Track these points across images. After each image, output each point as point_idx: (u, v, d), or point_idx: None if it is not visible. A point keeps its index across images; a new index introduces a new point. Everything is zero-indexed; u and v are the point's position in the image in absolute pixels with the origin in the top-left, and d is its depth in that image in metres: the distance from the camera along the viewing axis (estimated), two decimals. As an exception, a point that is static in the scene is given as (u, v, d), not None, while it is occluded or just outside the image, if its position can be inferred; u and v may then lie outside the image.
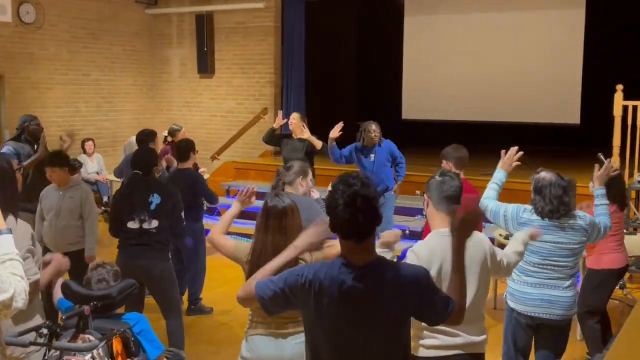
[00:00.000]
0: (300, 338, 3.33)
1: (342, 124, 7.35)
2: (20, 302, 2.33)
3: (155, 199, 4.99)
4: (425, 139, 13.61)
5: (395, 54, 12.91)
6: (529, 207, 4.14)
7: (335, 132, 7.33)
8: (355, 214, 2.35)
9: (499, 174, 4.38)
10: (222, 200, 10.42)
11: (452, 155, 5.31)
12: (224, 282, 7.15)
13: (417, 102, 12.63)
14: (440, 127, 12.46)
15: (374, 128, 7.37)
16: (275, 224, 3.43)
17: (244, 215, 10.78)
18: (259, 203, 3.61)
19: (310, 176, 4.75)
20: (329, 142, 7.39)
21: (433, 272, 2.97)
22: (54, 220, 5.59)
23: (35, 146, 6.63)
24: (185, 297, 6.39)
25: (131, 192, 5.13)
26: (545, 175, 4.14)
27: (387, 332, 2.44)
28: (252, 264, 3.45)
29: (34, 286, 2.96)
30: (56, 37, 11.37)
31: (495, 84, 11.92)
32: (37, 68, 11.14)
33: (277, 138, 8.18)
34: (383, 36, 14.01)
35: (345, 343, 2.44)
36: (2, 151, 6.25)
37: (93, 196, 6.02)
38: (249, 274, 3.47)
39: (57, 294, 3.43)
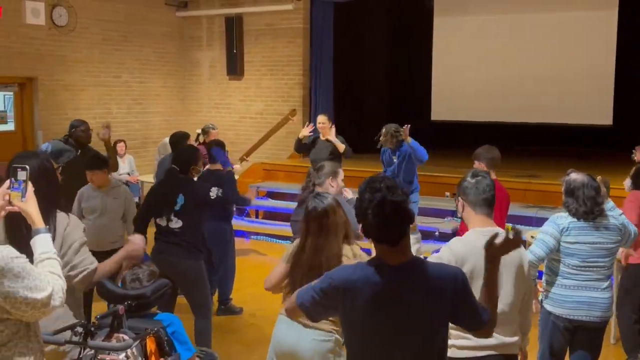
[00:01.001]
0: (321, 336, 3.38)
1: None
2: (58, 300, 2.36)
3: (180, 200, 5.04)
4: (455, 140, 13.55)
5: (425, 55, 12.86)
6: (562, 214, 4.12)
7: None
8: (385, 220, 2.36)
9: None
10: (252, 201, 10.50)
11: (485, 155, 5.31)
12: (254, 282, 7.18)
13: (446, 104, 12.56)
14: (470, 128, 12.39)
15: (402, 129, 7.35)
16: (314, 226, 3.47)
17: (273, 216, 10.87)
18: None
19: (341, 176, 4.76)
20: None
21: (466, 269, 2.96)
22: (97, 220, 5.68)
23: (79, 151, 6.66)
24: (215, 298, 6.43)
25: (161, 189, 5.22)
26: (576, 177, 4.11)
27: (422, 332, 2.42)
28: (292, 265, 3.49)
29: (92, 274, 3.04)
30: (88, 39, 11.52)
31: (526, 84, 11.81)
32: (70, 70, 11.29)
33: (306, 145, 8.22)
34: (412, 37, 13.96)
35: (381, 344, 2.43)
36: (41, 148, 6.35)
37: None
38: (290, 276, 3.53)
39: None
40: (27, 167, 2.55)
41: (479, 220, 3.21)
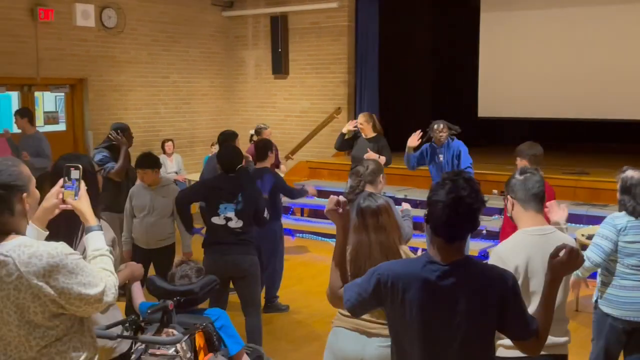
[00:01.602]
0: (385, 342, 3.35)
1: (421, 132, 7.40)
2: (111, 296, 2.42)
3: (242, 200, 5.04)
4: (502, 137, 13.39)
5: (471, 51, 12.71)
6: (618, 213, 4.03)
7: (413, 140, 7.40)
8: (453, 217, 2.33)
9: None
10: (297, 200, 10.56)
11: (527, 152, 5.25)
12: (300, 280, 7.23)
13: (493, 100, 12.39)
14: (517, 124, 12.22)
15: (436, 127, 7.31)
16: (373, 223, 3.49)
17: (318, 214, 10.88)
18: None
19: (383, 173, 4.79)
20: (406, 150, 7.44)
21: (512, 270, 2.91)
22: (146, 218, 5.77)
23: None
24: (262, 295, 6.48)
25: (219, 187, 5.14)
26: (632, 173, 4.01)
27: (470, 331, 2.39)
28: (352, 262, 3.49)
29: None
30: (136, 40, 11.73)
31: (576, 80, 11.58)
32: (119, 71, 11.51)
33: (348, 142, 8.23)
34: (458, 33, 13.83)
35: (426, 342, 2.41)
36: (95, 157, 6.41)
37: None
38: (350, 273, 3.54)
39: (137, 299, 3.52)
40: (80, 166, 2.62)
41: (529, 218, 3.16)
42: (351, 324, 3.51)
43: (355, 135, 8.18)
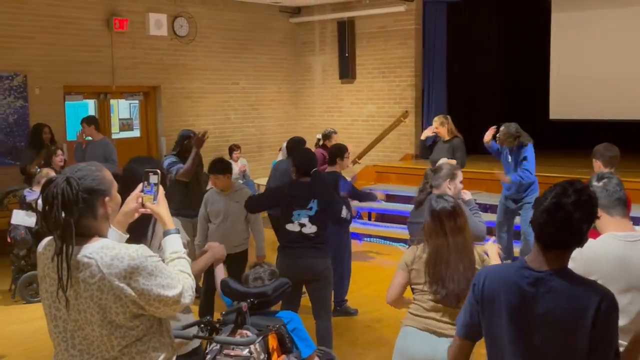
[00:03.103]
0: None
1: (495, 128, 7.57)
2: (188, 298, 2.47)
3: (315, 206, 5.03)
4: (575, 139, 13.02)
5: (542, 52, 12.45)
6: None
7: (487, 136, 7.71)
8: (550, 223, 2.26)
9: None
10: (364, 203, 10.55)
11: (603, 153, 5.13)
12: (368, 284, 7.23)
13: (566, 102, 12.09)
14: (590, 127, 11.88)
15: (501, 129, 7.40)
16: (451, 225, 3.50)
17: (385, 218, 10.85)
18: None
19: (459, 178, 4.70)
20: (485, 144, 7.75)
21: (596, 276, 2.82)
22: (222, 223, 5.84)
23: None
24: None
25: (292, 194, 5.15)
26: None
27: (562, 343, 2.28)
28: (432, 266, 3.52)
29: None
30: (207, 48, 11.98)
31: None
32: (190, 78, 11.78)
33: (429, 148, 8.26)
34: (528, 34, 13.56)
35: (516, 353, 2.34)
36: (164, 162, 6.60)
37: None
38: (429, 277, 3.53)
39: (218, 277, 3.61)
40: (159, 171, 2.69)
41: (616, 223, 3.03)
42: (422, 323, 3.53)
43: (435, 139, 8.18)
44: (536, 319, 2.29)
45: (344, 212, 5.06)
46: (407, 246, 4.83)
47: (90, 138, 8.86)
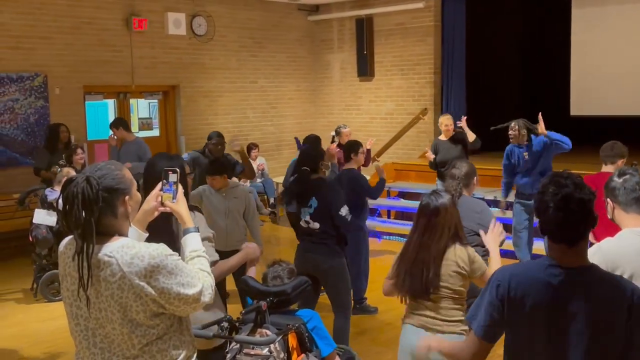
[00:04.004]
0: (447, 338, 3.33)
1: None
2: (208, 296, 2.47)
3: (314, 203, 5.10)
4: (596, 136, 12.87)
5: (562, 48, 12.32)
6: None
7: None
8: (568, 217, 2.24)
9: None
10: (383, 201, 10.53)
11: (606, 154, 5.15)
12: (388, 282, 7.18)
13: (587, 98, 11.95)
14: (612, 123, 11.74)
15: (512, 126, 7.27)
16: (423, 222, 3.59)
17: (405, 216, 10.81)
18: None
19: (476, 175, 4.73)
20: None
21: (620, 271, 2.77)
22: (223, 220, 5.83)
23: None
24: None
25: (296, 192, 5.31)
26: None
27: (593, 344, 2.24)
28: (397, 262, 3.69)
29: (212, 265, 3.11)
30: (225, 47, 12.01)
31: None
32: (209, 77, 11.82)
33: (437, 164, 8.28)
34: (548, 30, 13.44)
35: (541, 351, 2.31)
36: (185, 156, 6.75)
37: None
38: (393, 272, 3.70)
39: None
40: (178, 169, 2.69)
41: (632, 221, 3.01)
42: (417, 320, 3.62)
43: (436, 146, 8.21)
44: (570, 317, 2.26)
45: (343, 211, 5.04)
46: None
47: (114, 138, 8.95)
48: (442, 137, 8.13)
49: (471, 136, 7.93)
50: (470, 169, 4.67)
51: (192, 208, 3.27)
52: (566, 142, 7.04)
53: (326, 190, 5.19)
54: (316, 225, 5.10)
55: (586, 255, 2.33)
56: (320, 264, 5.12)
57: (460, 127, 8.16)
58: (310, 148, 5.65)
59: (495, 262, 3.58)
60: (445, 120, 8.17)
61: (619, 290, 2.26)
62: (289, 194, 5.52)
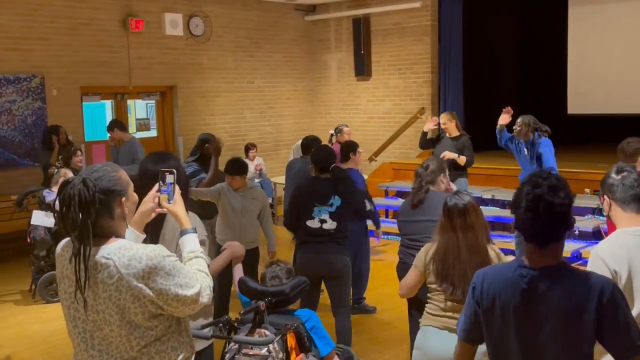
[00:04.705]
0: None
1: (511, 109, 7.41)
2: (206, 297, 2.46)
3: (336, 202, 5.05)
4: (593, 134, 12.89)
5: (559, 46, 12.34)
6: None
7: (504, 118, 7.40)
8: (536, 219, 2.23)
9: None
10: (381, 201, 10.53)
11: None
12: (386, 281, 7.20)
13: (584, 96, 11.97)
14: (609, 121, 11.76)
15: (517, 122, 7.24)
16: (460, 222, 3.52)
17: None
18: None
19: (447, 171, 4.79)
20: (498, 128, 7.42)
21: (611, 275, 2.77)
22: (237, 219, 5.83)
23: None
24: (349, 296, 6.50)
25: (313, 190, 5.18)
26: None
27: (564, 342, 2.25)
28: (439, 262, 3.56)
29: None
30: (222, 47, 12.00)
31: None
32: (206, 77, 11.81)
33: (431, 141, 8.20)
34: (546, 29, 13.45)
35: (517, 351, 2.31)
36: (188, 168, 6.48)
37: None
38: (437, 274, 3.56)
39: (236, 276, 3.58)
40: (174, 170, 2.69)
41: (629, 219, 2.99)
42: (440, 322, 3.57)
43: (439, 135, 8.14)
44: (540, 317, 2.27)
45: (368, 205, 5.06)
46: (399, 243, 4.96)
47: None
48: (448, 135, 8.08)
49: (461, 160, 7.75)
50: (436, 167, 4.74)
51: (187, 209, 3.28)
52: (548, 164, 7.01)
53: (348, 186, 5.20)
54: (333, 225, 5.03)
55: (559, 255, 2.31)
56: (335, 264, 5.07)
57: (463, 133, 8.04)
58: (320, 149, 5.60)
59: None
60: (441, 119, 8.16)
61: (587, 288, 2.24)
62: (300, 195, 5.30)
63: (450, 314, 3.54)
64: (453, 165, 7.65)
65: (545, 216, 2.23)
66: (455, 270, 3.53)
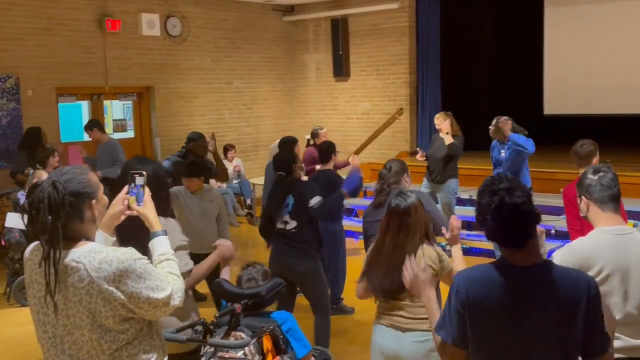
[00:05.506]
0: (420, 337, 3.50)
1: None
2: (177, 300, 2.45)
3: (290, 201, 5.13)
4: (571, 134, 13.00)
5: (535, 47, 12.44)
6: None
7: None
8: (506, 225, 2.24)
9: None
10: (360, 201, 10.54)
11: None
12: (365, 282, 7.19)
13: (560, 97, 12.08)
14: (586, 121, 11.87)
15: (493, 122, 7.41)
16: (396, 223, 3.57)
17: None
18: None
19: (409, 172, 4.91)
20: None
21: (592, 273, 2.80)
22: (197, 222, 5.80)
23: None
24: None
25: (274, 194, 5.31)
26: None
27: (557, 334, 2.26)
28: (368, 263, 3.67)
29: (187, 274, 3.06)
30: (200, 48, 11.94)
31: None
32: (184, 78, 11.74)
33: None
34: (522, 29, 13.55)
35: (506, 352, 2.31)
36: (165, 162, 6.59)
37: None
38: (366, 271, 3.68)
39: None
40: (144, 172, 2.67)
41: (606, 219, 3.01)
42: (388, 320, 3.64)
43: (433, 137, 8.27)
44: (528, 316, 2.27)
45: (312, 202, 5.04)
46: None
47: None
48: (442, 135, 8.14)
49: (448, 139, 7.92)
50: (399, 167, 4.84)
51: (169, 214, 3.24)
52: (527, 146, 7.13)
53: (299, 186, 5.25)
54: (293, 224, 5.09)
55: (538, 252, 2.34)
56: (294, 268, 5.11)
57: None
58: (282, 153, 5.64)
59: (459, 260, 3.62)
60: (435, 119, 8.26)
61: (575, 284, 2.27)
62: (271, 200, 5.37)
63: (396, 311, 3.61)
64: (443, 166, 7.79)
65: (513, 219, 2.24)
66: (375, 269, 3.61)
